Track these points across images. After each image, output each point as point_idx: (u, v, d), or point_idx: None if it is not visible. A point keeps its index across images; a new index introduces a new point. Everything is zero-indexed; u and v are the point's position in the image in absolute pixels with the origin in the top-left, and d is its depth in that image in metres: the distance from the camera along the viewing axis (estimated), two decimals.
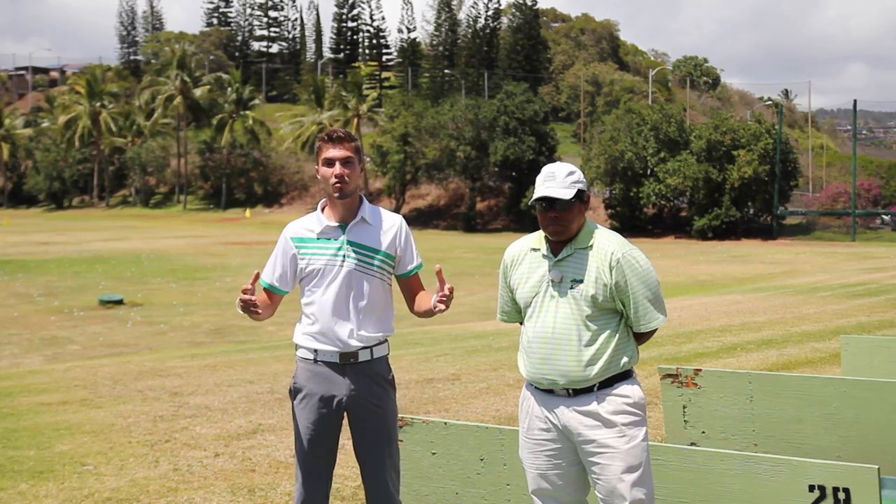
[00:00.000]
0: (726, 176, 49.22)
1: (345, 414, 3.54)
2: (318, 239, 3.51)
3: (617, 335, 3.28)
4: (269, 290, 3.59)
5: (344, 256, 3.49)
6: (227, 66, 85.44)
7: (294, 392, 3.59)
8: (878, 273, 23.04)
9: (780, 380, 5.01)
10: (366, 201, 3.60)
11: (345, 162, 3.44)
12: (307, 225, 3.57)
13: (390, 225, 3.57)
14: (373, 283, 3.51)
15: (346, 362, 3.49)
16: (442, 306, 3.39)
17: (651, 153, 51.64)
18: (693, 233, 49.41)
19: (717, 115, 58.22)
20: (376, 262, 3.52)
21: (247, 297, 3.35)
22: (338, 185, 3.43)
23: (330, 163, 3.45)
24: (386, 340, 3.61)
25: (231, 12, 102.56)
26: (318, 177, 3.53)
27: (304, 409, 3.54)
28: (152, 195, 75.85)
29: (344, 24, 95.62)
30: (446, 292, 3.38)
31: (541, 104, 60.04)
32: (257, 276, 3.46)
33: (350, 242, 3.49)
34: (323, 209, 3.58)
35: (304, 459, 3.54)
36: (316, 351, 3.51)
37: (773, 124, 52.97)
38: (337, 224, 3.51)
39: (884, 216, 51.45)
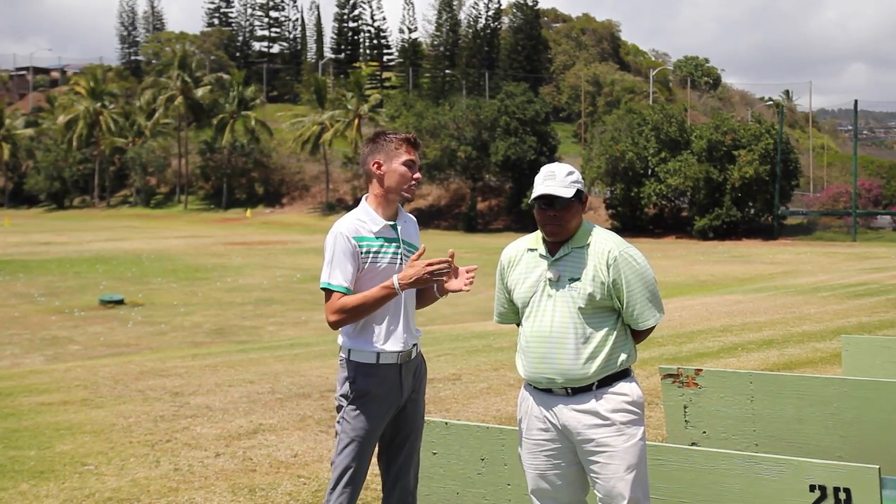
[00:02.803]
0: (727, 176, 49.22)
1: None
2: (377, 238, 3.49)
3: (615, 333, 3.29)
4: (346, 294, 3.43)
5: (402, 256, 3.51)
6: (227, 67, 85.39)
7: (355, 397, 3.45)
8: (879, 273, 23.02)
9: (780, 380, 5.01)
10: None
11: (419, 167, 3.58)
12: (363, 223, 3.50)
13: (415, 222, 3.71)
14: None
15: (403, 361, 3.51)
16: (468, 287, 3.47)
17: (652, 153, 51.63)
18: (694, 233, 49.40)
19: (718, 115, 58.20)
20: None
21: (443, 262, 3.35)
22: (414, 188, 3.54)
23: (412, 166, 3.52)
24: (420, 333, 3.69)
25: (232, 12, 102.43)
26: (379, 171, 3.49)
27: (366, 413, 3.45)
28: (153, 195, 75.83)
29: (345, 25, 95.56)
30: (472, 276, 3.48)
31: (542, 104, 60.07)
32: (423, 252, 3.48)
33: (404, 241, 3.55)
34: (367, 204, 3.56)
35: (354, 463, 3.44)
36: (378, 354, 3.46)
37: (773, 124, 52.96)
38: (391, 223, 3.54)
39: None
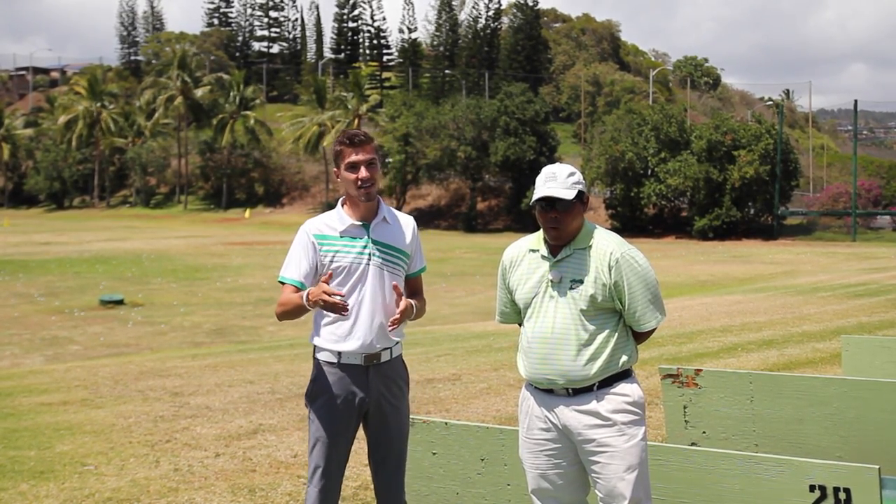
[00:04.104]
0: (727, 176, 49.21)
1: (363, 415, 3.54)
2: (341, 237, 3.49)
3: (616, 334, 3.29)
4: (299, 289, 3.48)
5: (370, 255, 3.48)
6: (227, 67, 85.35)
7: (314, 394, 3.52)
8: (879, 273, 23.02)
9: (780, 380, 5.01)
10: (382, 201, 3.61)
11: (368, 165, 3.45)
12: (329, 222, 3.54)
13: (406, 225, 3.61)
14: (395, 282, 3.52)
15: (369, 364, 3.48)
16: (394, 327, 3.42)
17: (652, 153, 51.63)
18: (694, 233, 49.40)
19: (718, 115, 58.20)
20: (398, 262, 3.55)
21: (334, 297, 3.26)
22: (364, 189, 3.44)
23: (354, 167, 3.45)
24: (400, 340, 3.62)
25: (231, 12, 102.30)
26: (339, 179, 3.52)
27: (326, 412, 3.48)
28: (153, 195, 75.78)
29: (345, 25, 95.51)
30: (397, 315, 3.41)
31: (541, 104, 60.05)
32: (330, 276, 3.41)
33: (375, 241, 3.50)
34: (342, 206, 3.57)
35: (322, 461, 3.49)
36: (340, 353, 3.47)
37: (773, 124, 52.94)
38: (360, 223, 3.51)
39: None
